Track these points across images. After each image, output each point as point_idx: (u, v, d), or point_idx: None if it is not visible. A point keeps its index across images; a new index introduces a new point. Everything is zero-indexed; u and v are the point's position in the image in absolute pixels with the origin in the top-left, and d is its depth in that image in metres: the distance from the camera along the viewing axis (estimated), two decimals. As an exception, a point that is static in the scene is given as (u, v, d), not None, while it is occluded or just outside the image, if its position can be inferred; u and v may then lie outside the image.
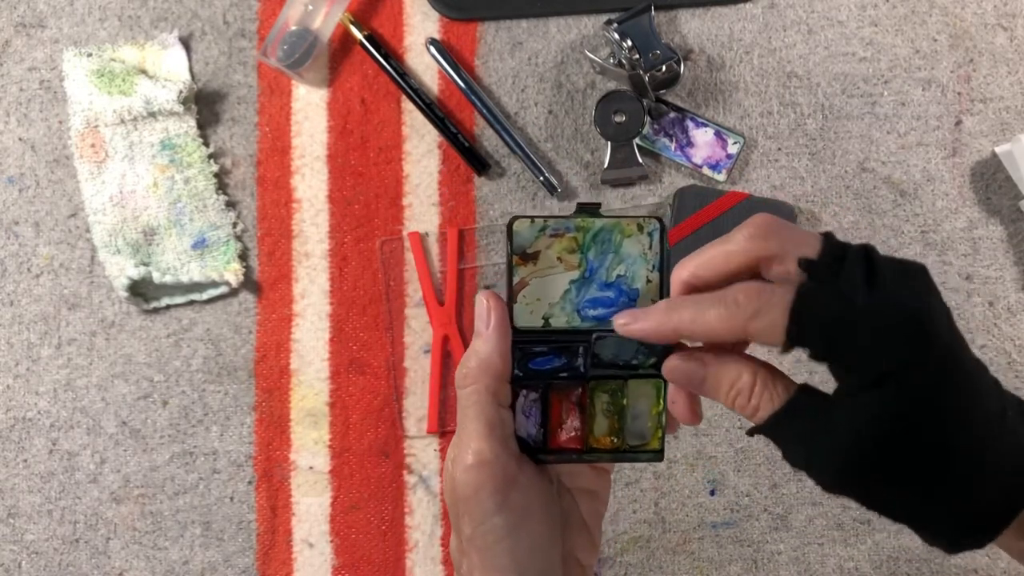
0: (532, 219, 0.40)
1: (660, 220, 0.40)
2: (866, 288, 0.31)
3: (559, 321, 0.40)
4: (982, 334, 0.68)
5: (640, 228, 0.40)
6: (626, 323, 0.36)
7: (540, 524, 0.39)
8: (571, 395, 0.41)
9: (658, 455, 0.41)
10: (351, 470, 0.69)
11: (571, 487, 0.42)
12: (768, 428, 0.34)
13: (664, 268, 0.40)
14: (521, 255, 0.40)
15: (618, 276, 0.40)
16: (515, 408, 0.40)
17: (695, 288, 0.35)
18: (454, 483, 0.38)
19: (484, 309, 0.39)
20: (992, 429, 0.32)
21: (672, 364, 0.37)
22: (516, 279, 0.40)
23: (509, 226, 0.40)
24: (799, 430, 0.33)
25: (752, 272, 0.34)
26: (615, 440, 0.41)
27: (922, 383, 0.31)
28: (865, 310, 0.31)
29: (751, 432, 0.35)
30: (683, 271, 0.36)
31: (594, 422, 0.41)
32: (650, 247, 0.40)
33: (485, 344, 0.39)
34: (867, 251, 0.32)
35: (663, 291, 0.40)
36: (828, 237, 0.33)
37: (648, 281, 0.40)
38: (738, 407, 0.35)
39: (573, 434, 0.41)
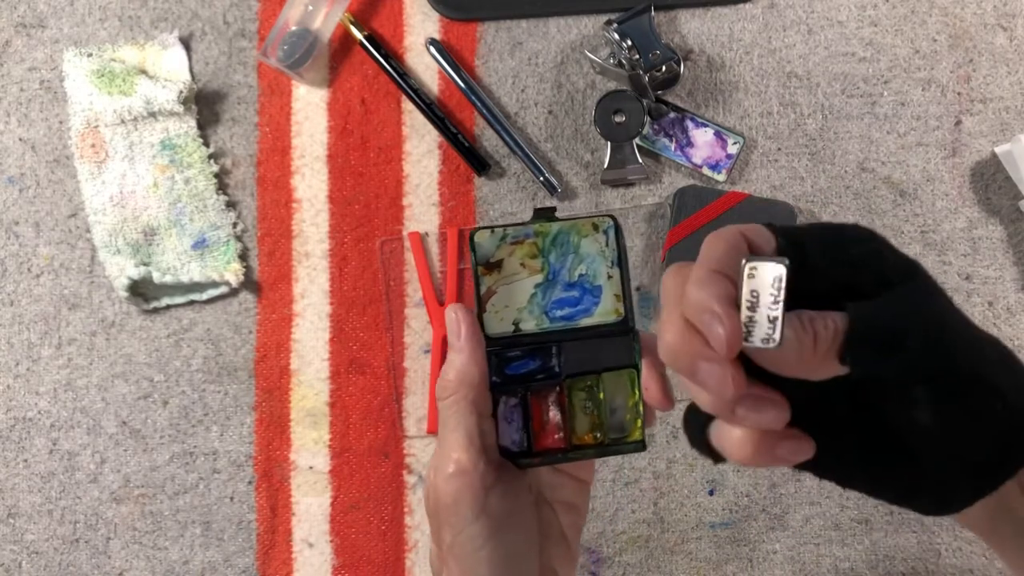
0: (492, 229, 0.41)
1: (613, 218, 0.41)
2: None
3: (529, 325, 0.41)
4: (982, 334, 0.68)
5: (596, 227, 0.41)
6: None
7: (518, 533, 0.40)
8: (550, 396, 0.42)
9: (640, 445, 0.42)
10: (351, 470, 0.69)
11: (551, 499, 0.43)
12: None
13: (623, 263, 0.41)
14: (485, 265, 0.41)
15: (580, 275, 0.41)
16: (497, 415, 0.41)
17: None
18: (435, 492, 0.39)
19: (454, 322, 0.40)
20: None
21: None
22: (483, 289, 0.41)
23: (471, 238, 0.41)
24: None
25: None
26: (598, 436, 0.42)
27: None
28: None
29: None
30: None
31: (575, 421, 0.42)
32: (607, 244, 0.41)
33: (459, 355, 0.40)
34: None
35: (624, 285, 0.41)
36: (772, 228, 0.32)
37: (609, 277, 0.41)
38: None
39: (557, 435, 0.42)
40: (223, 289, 0.69)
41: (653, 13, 0.66)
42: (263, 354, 0.69)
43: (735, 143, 0.68)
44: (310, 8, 0.68)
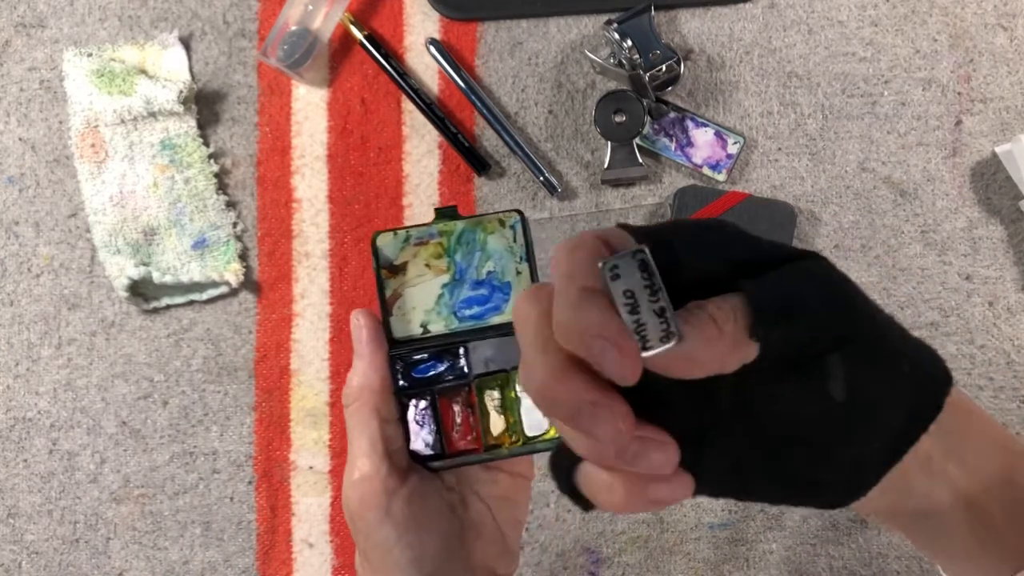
0: (395, 231, 0.41)
1: (520, 213, 0.41)
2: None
3: (437, 326, 0.41)
4: (982, 334, 0.68)
5: (502, 223, 0.41)
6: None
7: (430, 534, 0.40)
8: (460, 397, 0.41)
9: (557, 441, 0.40)
10: (351, 470, 0.69)
11: (484, 495, 0.42)
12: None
13: (531, 258, 0.41)
14: (389, 268, 0.41)
15: (488, 272, 0.41)
16: (407, 419, 0.41)
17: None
18: (344, 498, 0.39)
19: (356, 328, 0.40)
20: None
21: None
22: (388, 292, 0.41)
23: (373, 242, 0.41)
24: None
25: None
26: (513, 435, 0.42)
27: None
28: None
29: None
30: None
31: (488, 420, 0.42)
32: (515, 240, 0.41)
33: (361, 362, 0.40)
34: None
35: (534, 280, 0.41)
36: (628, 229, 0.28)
37: (518, 272, 0.41)
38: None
39: (470, 436, 0.42)
40: (223, 289, 0.69)
41: (653, 13, 0.66)
42: (263, 354, 0.69)
43: (735, 143, 0.68)
44: (310, 8, 0.68)
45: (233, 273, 0.68)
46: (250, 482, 0.69)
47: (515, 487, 0.43)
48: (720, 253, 0.28)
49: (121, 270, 0.67)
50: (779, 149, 0.69)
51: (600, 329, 0.24)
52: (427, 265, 0.41)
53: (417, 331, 0.41)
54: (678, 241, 0.27)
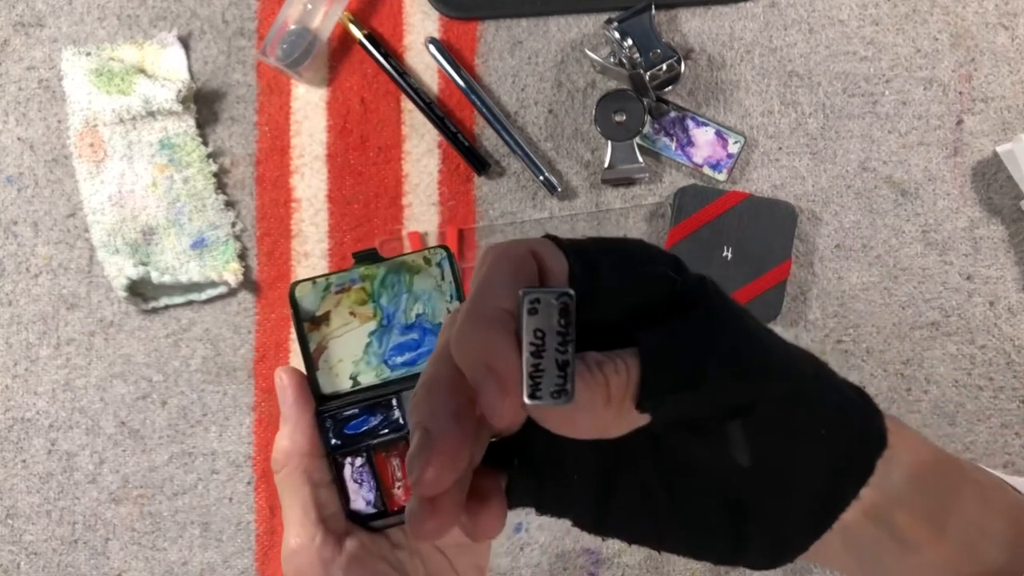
0: (313, 280, 0.38)
1: (446, 248, 0.38)
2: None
3: (368, 377, 0.39)
4: (982, 334, 0.68)
5: (427, 261, 0.38)
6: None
7: None
8: (398, 450, 0.39)
9: None
10: (350, 470, 0.69)
11: (441, 545, 0.40)
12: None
13: (462, 296, 0.38)
14: (311, 320, 0.38)
15: (418, 315, 0.39)
16: (344, 478, 0.39)
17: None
18: (284, 572, 0.38)
19: (280, 388, 0.38)
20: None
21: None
22: (312, 346, 0.38)
23: (291, 293, 0.38)
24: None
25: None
26: None
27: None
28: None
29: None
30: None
31: None
32: (443, 278, 0.38)
33: (287, 425, 0.38)
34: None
35: None
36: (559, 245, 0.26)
37: (449, 312, 0.38)
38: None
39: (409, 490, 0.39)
40: (222, 289, 0.69)
41: (653, 12, 0.66)
42: (262, 354, 0.69)
43: (736, 142, 0.68)
44: (309, 7, 0.68)
45: (232, 273, 0.68)
46: (249, 483, 0.69)
47: None
48: (638, 281, 0.26)
49: (120, 270, 0.67)
50: (780, 148, 0.69)
51: (494, 360, 0.22)
52: (352, 313, 0.38)
53: (346, 384, 0.39)
54: (603, 266, 0.26)
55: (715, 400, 0.25)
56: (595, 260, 0.26)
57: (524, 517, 0.68)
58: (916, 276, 0.69)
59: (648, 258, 0.27)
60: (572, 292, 0.23)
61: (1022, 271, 0.68)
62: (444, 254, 0.39)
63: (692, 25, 0.70)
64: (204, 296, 0.69)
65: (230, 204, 0.69)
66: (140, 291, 0.68)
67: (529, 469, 0.28)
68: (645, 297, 0.26)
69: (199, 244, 0.68)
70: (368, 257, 0.38)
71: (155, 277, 0.67)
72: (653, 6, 0.66)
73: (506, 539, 0.68)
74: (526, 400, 0.23)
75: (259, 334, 0.69)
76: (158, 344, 0.69)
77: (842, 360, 0.68)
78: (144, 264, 0.67)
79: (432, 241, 0.69)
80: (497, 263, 0.24)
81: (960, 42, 0.69)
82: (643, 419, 0.25)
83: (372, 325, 0.39)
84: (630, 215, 0.69)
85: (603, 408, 0.24)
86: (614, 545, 0.68)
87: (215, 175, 0.69)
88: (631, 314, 0.26)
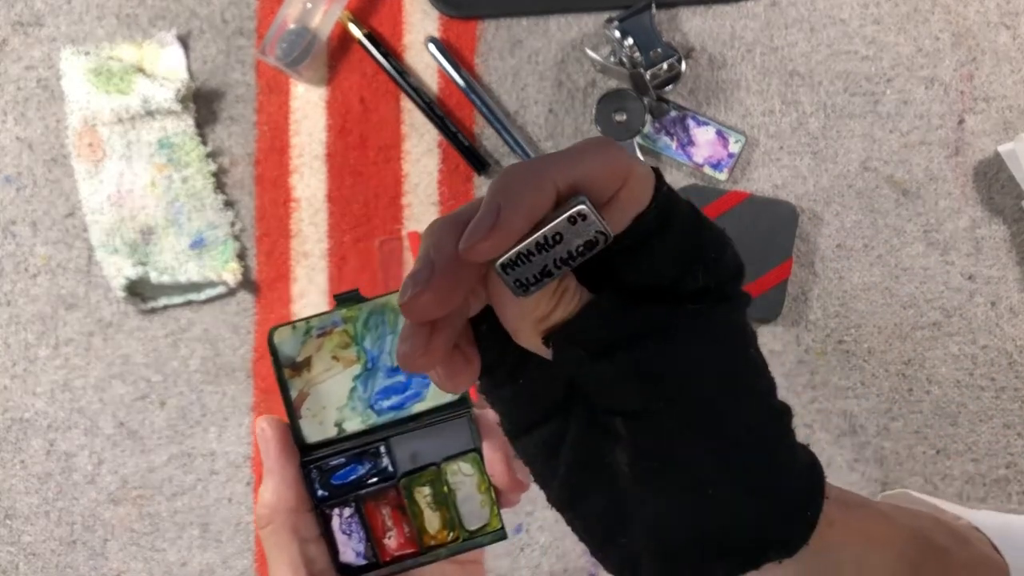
0: (293, 325, 0.37)
1: None
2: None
3: (354, 424, 0.37)
4: (984, 334, 0.68)
5: None
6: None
7: None
8: (387, 499, 0.38)
9: (500, 534, 0.38)
10: (350, 471, 0.69)
11: None
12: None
13: None
14: (292, 366, 0.37)
15: None
16: (333, 530, 0.37)
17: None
18: None
19: (263, 439, 0.37)
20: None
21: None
22: (294, 393, 0.37)
23: (270, 339, 0.36)
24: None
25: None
26: (452, 532, 0.38)
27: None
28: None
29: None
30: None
31: (422, 519, 0.38)
32: None
33: (271, 478, 0.36)
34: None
35: None
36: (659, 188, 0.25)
37: None
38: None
39: (403, 540, 0.38)
40: (221, 289, 0.68)
41: (654, 11, 0.66)
42: (261, 354, 0.69)
43: (737, 142, 0.68)
44: (309, 6, 0.67)
45: (231, 273, 0.68)
46: (248, 483, 0.69)
47: (466, 575, 0.40)
48: (695, 259, 0.25)
49: (119, 270, 0.67)
50: (781, 148, 0.69)
51: (513, 213, 0.22)
52: (335, 357, 0.37)
53: (332, 432, 0.37)
54: (677, 222, 0.25)
55: (613, 378, 0.25)
56: (672, 214, 0.25)
57: (524, 518, 0.68)
58: (917, 276, 0.68)
59: (717, 242, 0.26)
60: (611, 237, 0.23)
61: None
62: None
63: (693, 24, 0.69)
64: (203, 296, 0.68)
65: (229, 204, 0.69)
66: (139, 291, 0.68)
67: (494, 338, 0.27)
68: (682, 274, 0.25)
69: (198, 244, 0.68)
70: (350, 299, 0.37)
71: (154, 277, 0.66)
72: (653, 5, 0.66)
73: (506, 540, 0.68)
74: (497, 263, 0.23)
75: (258, 334, 0.69)
76: (157, 344, 0.69)
77: (843, 360, 0.68)
78: (143, 264, 0.67)
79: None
80: (593, 153, 0.24)
81: (962, 41, 0.69)
82: (543, 350, 0.25)
83: (356, 369, 0.37)
84: (630, 215, 0.69)
85: (530, 315, 0.24)
86: (614, 546, 0.68)
87: (214, 175, 0.69)
88: (663, 279, 0.25)
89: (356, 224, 0.69)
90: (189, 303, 0.69)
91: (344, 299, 0.37)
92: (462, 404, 0.38)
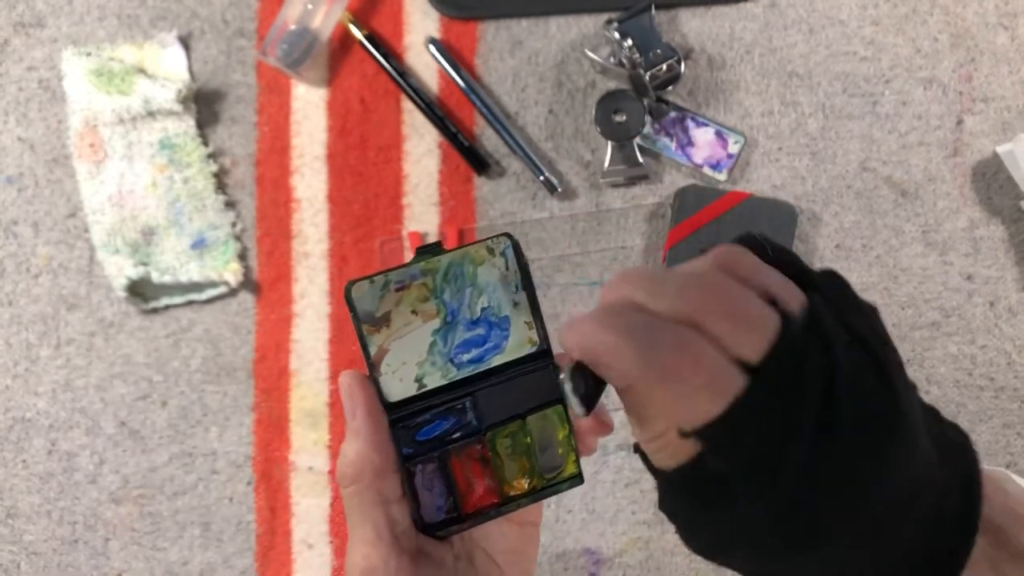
0: (371, 279, 0.36)
1: (509, 236, 0.36)
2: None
3: (434, 379, 0.36)
4: (983, 334, 0.68)
5: (491, 251, 0.36)
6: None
7: None
8: (471, 453, 0.37)
9: (577, 479, 0.38)
10: (351, 470, 0.69)
11: (492, 551, 0.39)
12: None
13: (529, 285, 0.37)
14: (371, 322, 0.36)
15: (483, 309, 0.36)
16: (416, 486, 0.37)
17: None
18: None
19: (347, 397, 0.36)
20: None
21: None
22: (373, 350, 0.36)
23: (347, 294, 0.36)
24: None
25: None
26: (531, 480, 0.38)
27: None
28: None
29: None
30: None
31: (503, 469, 0.38)
32: (507, 267, 0.36)
33: (357, 438, 0.35)
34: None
35: (533, 309, 0.37)
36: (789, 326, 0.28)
37: (515, 304, 0.36)
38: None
39: (486, 491, 0.37)
40: (222, 289, 0.68)
41: (654, 12, 0.66)
42: (262, 354, 0.69)
43: (736, 142, 0.68)
44: (309, 7, 0.68)
45: (232, 273, 0.68)
46: (249, 483, 0.69)
47: (524, 538, 0.40)
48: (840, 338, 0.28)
49: (120, 270, 0.67)
50: (780, 149, 0.69)
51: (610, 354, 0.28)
52: (413, 311, 0.36)
53: (412, 389, 0.36)
54: (821, 310, 0.28)
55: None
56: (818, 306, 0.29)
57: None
58: (916, 276, 0.69)
59: (865, 314, 0.30)
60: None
61: (1022, 271, 0.68)
62: (508, 243, 0.36)
63: (692, 25, 0.69)
64: (204, 296, 0.69)
65: (230, 204, 0.69)
66: (140, 291, 0.68)
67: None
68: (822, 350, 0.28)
69: (199, 244, 0.68)
70: (431, 251, 0.36)
71: (155, 277, 0.67)
72: (653, 6, 0.66)
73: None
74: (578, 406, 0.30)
75: (259, 334, 0.69)
76: (158, 344, 0.69)
77: (842, 360, 0.68)
78: (144, 264, 0.67)
79: (432, 241, 0.69)
80: (737, 256, 0.30)
81: (960, 42, 0.69)
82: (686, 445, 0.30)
83: (436, 323, 0.36)
84: (630, 215, 0.69)
85: (675, 392, 0.28)
86: (615, 545, 0.68)
87: (215, 175, 0.69)
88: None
89: (357, 224, 0.69)
90: (190, 303, 0.69)
91: (425, 251, 0.36)
92: (543, 356, 0.37)
